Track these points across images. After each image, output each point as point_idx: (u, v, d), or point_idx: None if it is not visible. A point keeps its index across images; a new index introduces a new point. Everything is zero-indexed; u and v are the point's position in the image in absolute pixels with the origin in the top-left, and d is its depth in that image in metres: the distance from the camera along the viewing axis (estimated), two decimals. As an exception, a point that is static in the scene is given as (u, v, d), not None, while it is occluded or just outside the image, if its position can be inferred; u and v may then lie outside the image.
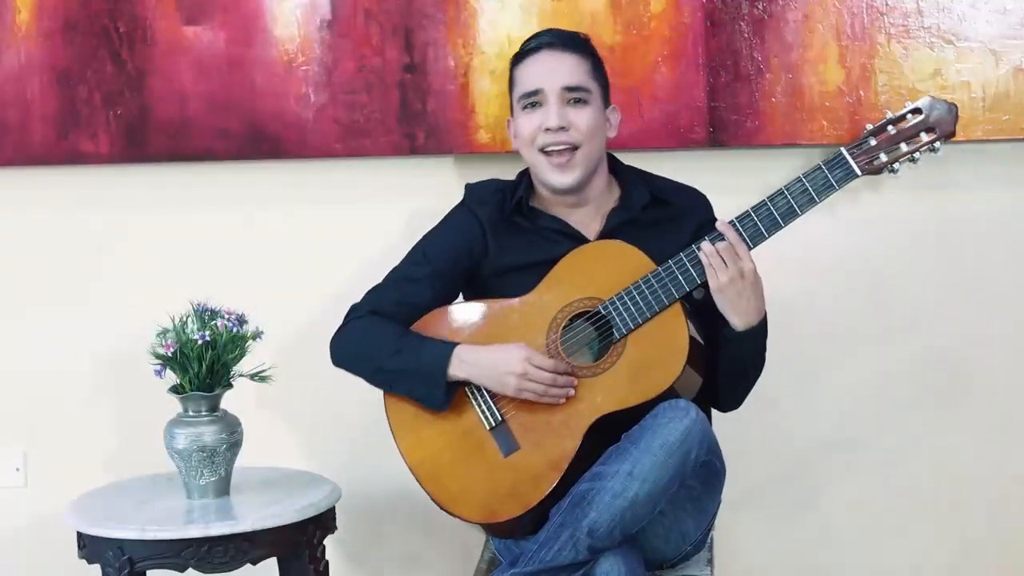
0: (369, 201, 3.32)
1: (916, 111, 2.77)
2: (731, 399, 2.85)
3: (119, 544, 2.76)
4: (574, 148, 2.80)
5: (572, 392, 2.73)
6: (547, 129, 2.80)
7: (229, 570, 2.78)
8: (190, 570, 2.78)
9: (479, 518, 2.76)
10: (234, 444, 2.88)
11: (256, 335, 2.89)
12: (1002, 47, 3.12)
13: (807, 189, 2.73)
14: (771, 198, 2.73)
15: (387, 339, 2.82)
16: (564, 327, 2.77)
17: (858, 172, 2.75)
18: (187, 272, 3.32)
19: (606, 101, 2.88)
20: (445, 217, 2.96)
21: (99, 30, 3.28)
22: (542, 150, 2.81)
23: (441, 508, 2.79)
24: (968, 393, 3.26)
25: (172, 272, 3.35)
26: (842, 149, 2.75)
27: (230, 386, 2.89)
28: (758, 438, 3.24)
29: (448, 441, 2.79)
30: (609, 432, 2.69)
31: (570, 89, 2.81)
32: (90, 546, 2.82)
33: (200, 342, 2.81)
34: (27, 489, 3.45)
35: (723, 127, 3.17)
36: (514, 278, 2.84)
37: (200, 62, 3.27)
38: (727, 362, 2.77)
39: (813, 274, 3.23)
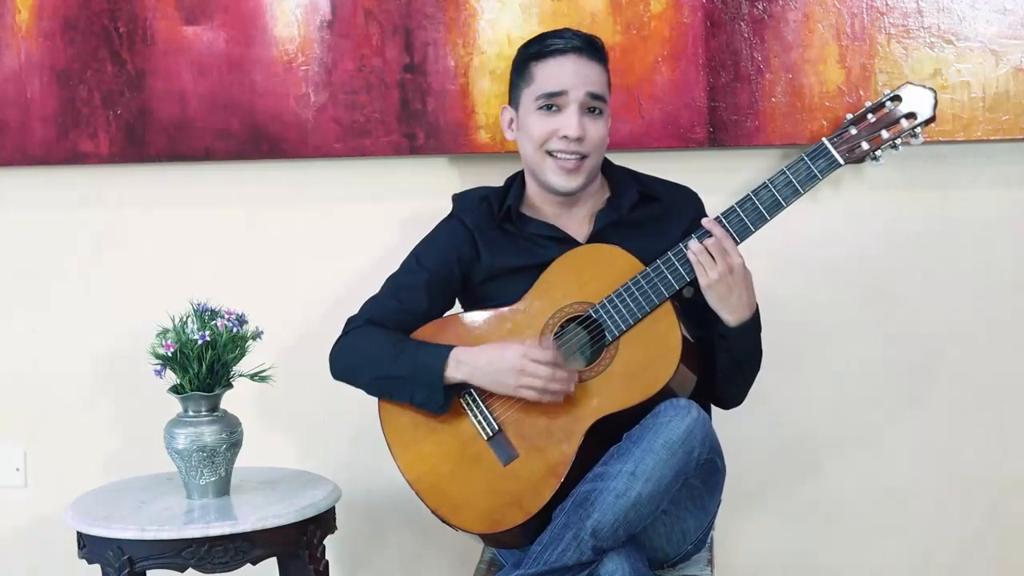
0: (369, 201, 3.33)
1: (895, 98, 2.78)
2: (733, 396, 2.85)
3: (119, 544, 2.76)
4: (583, 157, 2.80)
5: (572, 389, 2.72)
6: (563, 136, 2.78)
7: (229, 570, 2.78)
8: (190, 570, 2.78)
9: (481, 528, 2.75)
10: (234, 444, 2.88)
11: (256, 335, 2.89)
12: (1002, 47, 3.12)
13: (791, 181, 2.74)
14: (755, 192, 2.74)
15: (385, 347, 2.81)
16: (556, 333, 2.77)
17: (840, 161, 2.76)
18: (187, 272, 3.33)
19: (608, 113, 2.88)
20: (435, 228, 2.95)
21: (99, 30, 3.29)
22: (551, 153, 2.81)
23: (443, 521, 2.78)
24: (969, 393, 3.25)
25: (172, 272, 3.35)
26: (824, 139, 2.76)
27: (230, 386, 2.89)
28: (758, 438, 3.24)
29: (446, 453, 2.79)
30: (607, 435, 2.69)
31: (594, 97, 2.80)
32: (90, 546, 2.82)
33: (200, 342, 2.81)
34: (27, 489, 3.45)
35: (723, 127, 3.17)
36: (506, 283, 2.84)
37: (200, 62, 3.27)
38: (724, 360, 2.77)
39: (814, 274, 3.23)
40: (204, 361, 2.82)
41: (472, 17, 3.21)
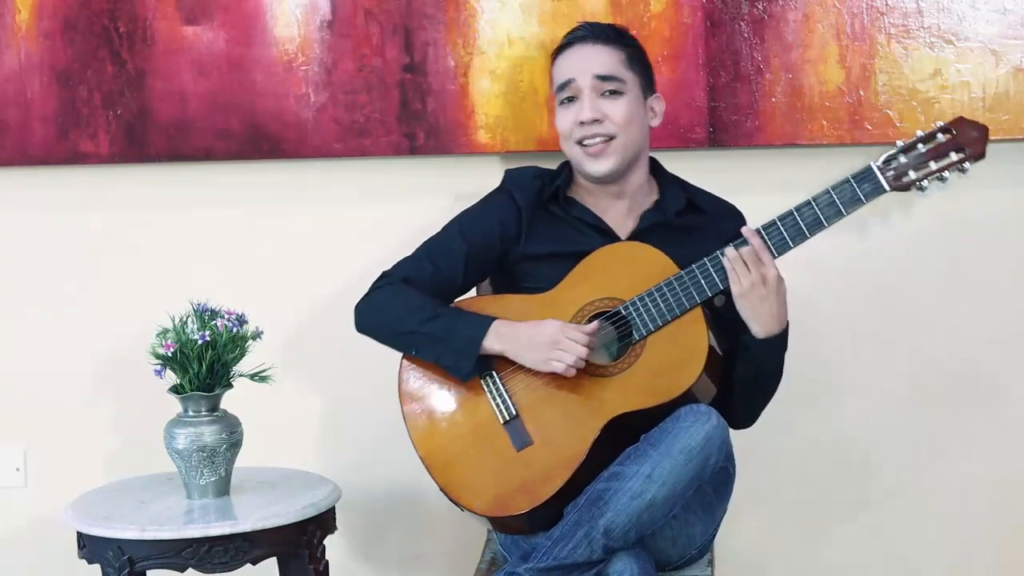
0: (369, 201, 3.33)
1: (946, 130, 2.74)
2: (746, 413, 2.84)
3: (119, 544, 2.76)
4: (610, 138, 2.81)
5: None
6: (581, 122, 2.81)
7: (229, 570, 2.78)
8: (190, 570, 2.78)
9: (487, 511, 2.76)
10: (234, 444, 2.88)
11: (256, 335, 2.89)
12: (1002, 47, 3.12)
13: (834, 201, 2.72)
14: (798, 208, 2.72)
15: (423, 304, 2.81)
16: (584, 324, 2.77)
17: (886, 187, 2.73)
18: (187, 272, 3.32)
19: (648, 90, 2.88)
20: (483, 200, 2.94)
21: (99, 30, 3.28)
22: (579, 142, 2.82)
23: (450, 499, 2.79)
24: (969, 393, 3.26)
25: (172, 272, 3.35)
26: (871, 163, 2.73)
27: (230, 386, 2.89)
28: (758, 438, 3.23)
29: (461, 432, 2.79)
30: (621, 433, 2.69)
31: (602, 78, 2.81)
32: (90, 546, 2.82)
33: (200, 342, 2.81)
34: (27, 489, 3.45)
35: (723, 127, 3.17)
36: (541, 266, 2.84)
37: (200, 62, 3.27)
38: (744, 371, 2.77)
39: (815, 275, 3.22)
40: (204, 361, 2.82)
41: (472, 17, 3.21)
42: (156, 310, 2.91)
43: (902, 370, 3.26)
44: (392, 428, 3.24)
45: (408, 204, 3.28)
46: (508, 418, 2.77)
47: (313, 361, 3.32)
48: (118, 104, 3.29)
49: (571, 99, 2.84)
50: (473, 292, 2.98)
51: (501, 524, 2.80)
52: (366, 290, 2.92)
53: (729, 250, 2.71)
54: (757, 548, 3.32)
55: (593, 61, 2.83)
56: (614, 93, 2.82)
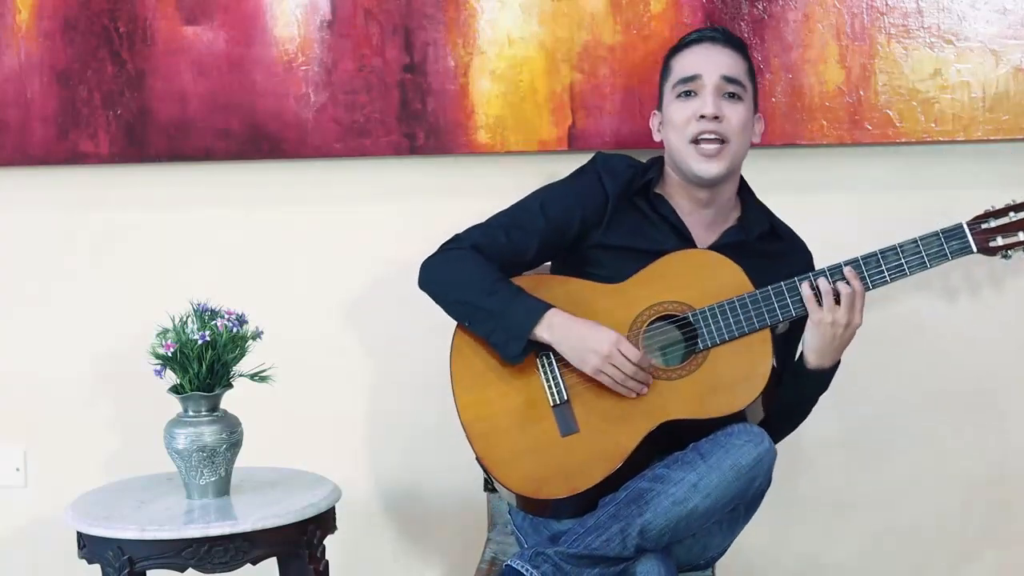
0: (369, 201, 3.32)
1: None
2: (774, 435, 2.81)
3: (119, 544, 2.75)
4: (723, 141, 2.80)
5: (645, 391, 2.71)
6: (702, 116, 2.79)
7: (229, 570, 2.78)
8: (190, 570, 2.78)
9: (521, 489, 2.74)
10: (234, 444, 2.88)
11: (256, 335, 2.89)
12: (1002, 47, 3.12)
13: (920, 252, 2.73)
14: (883, 252, 2.73)
15: (485, 276, 2.79)
16: (649, 324, 2.77)
17: (974, 248, 2.74)
18: (187, 272, 3.32)
19: (755, 106, 2.88)
20: (570, 177, 2.92)
21: (99, 30, 3.28)
22: (693, 140, 2.80)
23: (484, 470, 2.78)
24: (969, 393, 3.25)
25: (172, 272, 3.35)
26: (963, 223, 2.75)
27: (230, 386, 2.88)
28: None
29: (508, 406, 2.77)
30: (667, 438, 2.69)
31: (728, 80, 2.81)
32: (90, 546, 2.82)
33: (200, 342, 2.81)
34: (27, 489, 3.45)
35: (723, 127, 3.17)
36: (614, 256, 2.82)
37: (200, 62, 3.27)
38: (786, 396, 2.77)
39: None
40: (204, 361, 2.82)
41: (472, 17, 3.21)
42: (156, 310, 2.91)
43: (902, 371, 3.26)
44: (393, 428, 3.25)
45: (408, 204, 3.28)
46: (559, 402, 2.75)
47: (313, 361, 3.32)
48: (118, 104, 3.29)
49: (690, 93, 2.82)
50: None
51: (529, 504, 2.78)
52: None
53: (822, 281, 2.70)
54: (758, 548, 3.31)
55: (723, 62, 2.82)
56: (735, 97, 2.82)
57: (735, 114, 2.81)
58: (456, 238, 2.87)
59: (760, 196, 2.95)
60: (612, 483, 2.68)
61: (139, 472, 3.12)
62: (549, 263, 2.94)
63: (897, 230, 3.21)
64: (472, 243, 2.84)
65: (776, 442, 2.81)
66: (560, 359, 2.76)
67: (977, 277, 3.22)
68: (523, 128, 3.21)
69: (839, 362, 2.77)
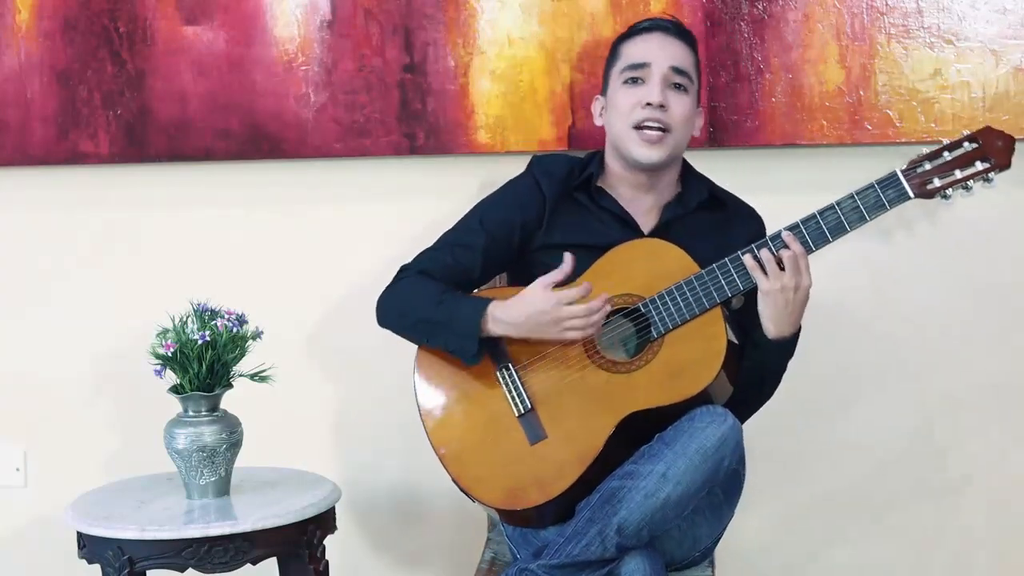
0: (369, 201, 3.33)
1: (972, 139, 2.74)
2: (739, 413, 2.83)
3: (119, 544, 2.75)
4: (665, 130, 2.81)
5: (604, 315, 2.72)
6: (647, 104, 2.80)
7: (229, 570, 2.78)
8: (190, 570, 2.78)
9: (499, 503, 2.76)
10: (234, 444, 2.88)
11: (256, 335, 2.89)
12: (1002, 47, 3.12)
13: (858, 206, 2.72)
14: (821, 212, 2.72)
15: (432, 292, 2.81)
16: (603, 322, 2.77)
17: (911, 194, 2.73)
18: (187, 272, 3.32)
19: (699, 100, 2.89)
20: (506, 185, 2.95)
21: (99, 30, 3.28)
22: (636, 126, 2.81)
23: (462, 490, 2.79)
24: (968, 393, 3.25)
25: (172, 272, 3.35)
26: (896, 170, 2.74)
27: (230, 386, 2.88)
28: (759, 438, 3.23)
29: (475, 424, 2.79)
30: (635, 430, 2.69)
31: (677, 71, 2.82)
32: (90, 546, 2.82)
33: (200, 342, 2.81)
34: (27, 489, 3.45)
35: (723, 127, 3.17)
36: (558, 257, 2.81)
37: (200, 62, 3.27)
38: (748, 370, 2.77)
39: (813, 273, 3.22)
40: (204, 361, 2.82)
41: (472, 17, 3.21)
42: (156, 310, 2.91)
43: (902, 371, 3.26)
44: (392, 428, 3.25)
45: (408, 204, 3.28)
46: (523, 411, 2.77)
47: (313, 361, 3.32)
48: (118, 104, 3.29)
49: (637, 80, 2.83)
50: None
51: (512, 516, 2.80)
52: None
53: (764, 251, 2.71)
54: (758, 549, 3.31)
55: (673, 52, 2.84)
56: (681, 88, 2.83)
57: (680, 105, 2.82)
58: (403, 268, 2.91)
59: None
60: (589, 485, 2.68)
61: (139, 472, 3.12)
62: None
63: (897, 229, 3.22)
64: (419, 269, 2.88)
65: (751, 414, 2.84)
66: (520, 370, 2.78)
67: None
68: (523, 128, 3.21)
69: (800, 328, 2.76)
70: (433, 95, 3.23)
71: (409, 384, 2.87)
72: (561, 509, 2.69)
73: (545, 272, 2.77)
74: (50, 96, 3.31)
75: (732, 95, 3.16)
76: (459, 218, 2.94)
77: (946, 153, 2.75)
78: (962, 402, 3.26)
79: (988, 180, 2.75)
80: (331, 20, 3.24)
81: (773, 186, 3.07)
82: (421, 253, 2.91)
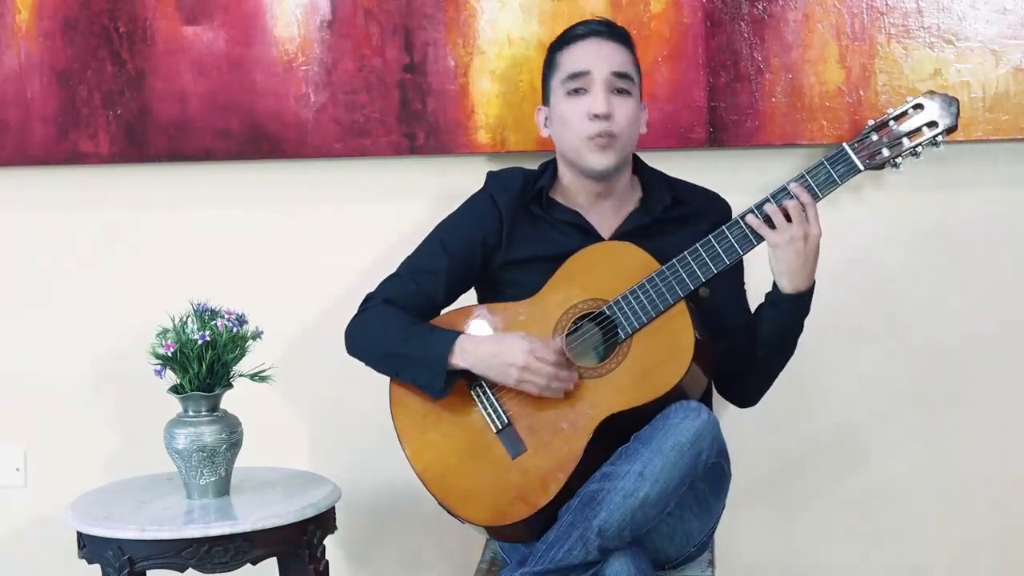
0: (369, 201, 3.33)
1: (918, 106, 2.76)
2: (761, 379, 2.83)
3: (119, 544, 2.76)
4: (613, 136, 2.80)
5: (571, 386, 2.72)
6: (595, 116, 2.79)
7: (229, 570, 2.78)
8: (190, 570, 2.78)
9: (486, 520, 2.76)
10: (234, 444, 2.88)
11: (256, 335, 2.89)
12: (1002, 47, 3.12)
13: (810, 185, 2.73)
14: (774, 195, 2.73)
15: (399, 325, 2.81)
16: (570, 329, 2.77)
17: (860, 167, 2.75)
18: (187, 272, 3.32)
19: (640, 96, 2.88)
20: (464, 204, 2.95)
21: (99, 30, 3.28)
22: (589, 137, 2.80)
23: (448, 511, 2.79)
24: (968, 393, 3.26)
25: (172, 272, 3.35)
26: (844, 145, 2.75)
27: (230, 386, 2.89)
28: (758, 437, 3.24)
29: (455, 444, 2.79)
30: (615, 433, 2.69)
31: (618, 75, 2.81)
32: (90, 546, 2.82)
33: (200, 342, 2.81)
34: (27, 489, 3.45)
35: (723, 127, 3.17)
36: (524, 271, 2.84)
37: (200, 62, 3.27)
38: (770, 331, 2.76)
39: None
40: (204, 361, 2.82)
41: (472, 17, 3.21)
42: (156, 310, 2.91)
43: (902, 370, 3.26)
44: (392, 428, 3.25)
45: (408, 204, 3.28)
46: (501, 427, 2.77)
47: (313, 361, 3.32)
48: (118, 104, 3.29)
49: (579, 91, 2.82)
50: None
51: (500, 533, 2.80)
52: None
53: (768, 205, 2.71)
54: (758, 548, 3.32)
55: (611, 57, 2.82)
56: (623, 92, 2.82)
57: (624, 109, 2.81)
58: (368, 297, 2.90)
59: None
60: (573, 491, 2.67)
61: (139, 472, 3.12)
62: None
63: (898, 230, 3.22)
64: (384, 298, 2.87)
65: (773, 379, 2.83)
66: (492, 384, 2.78)
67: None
68: (523, 128, 3.21)
69: (814, 283, 2.75)
70: (433, 95, 3.23)
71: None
72: (550, 521, 2.68)
73: (512, 291, 2.81)
74: (50, 96, 3.31)
75: (732, 95, 3.16)
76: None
77: (892, 123, 2.76)
78: (962, 402, 3.26)
79: (936, 144, 2.76)
80: (331, 20, 3.24)
81: (773, 186, 3.05)
82: (384, 281, 2.91)
